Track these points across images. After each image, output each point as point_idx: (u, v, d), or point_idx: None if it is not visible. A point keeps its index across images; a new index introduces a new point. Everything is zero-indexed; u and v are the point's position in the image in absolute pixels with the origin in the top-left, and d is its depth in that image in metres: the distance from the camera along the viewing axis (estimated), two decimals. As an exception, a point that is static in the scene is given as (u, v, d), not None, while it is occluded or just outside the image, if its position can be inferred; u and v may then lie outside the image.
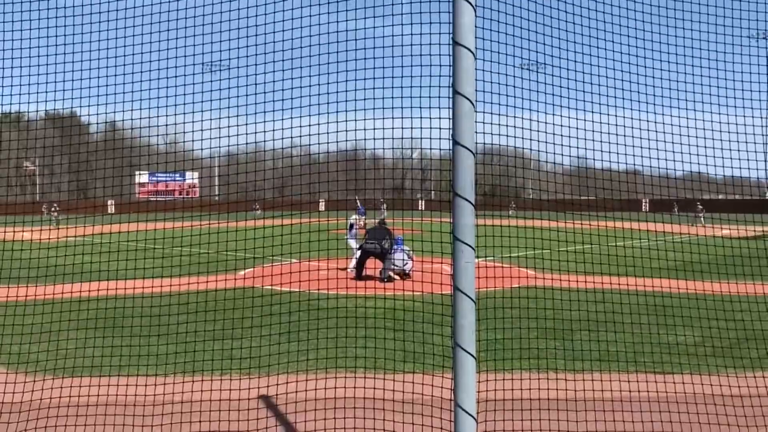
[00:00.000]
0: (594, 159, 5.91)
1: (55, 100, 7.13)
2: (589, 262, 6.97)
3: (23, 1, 6.54)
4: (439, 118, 5.40)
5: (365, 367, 7.72)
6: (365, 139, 6.56)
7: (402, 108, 5.89)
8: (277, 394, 6.58)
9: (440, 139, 5.30)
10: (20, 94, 6.85)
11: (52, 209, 42.21)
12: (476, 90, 3.75)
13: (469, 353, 3.61)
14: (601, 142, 5.62)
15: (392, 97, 6.04)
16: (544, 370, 7.47)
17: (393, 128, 6.20)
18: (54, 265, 8.55)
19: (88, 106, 7.24)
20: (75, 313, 8.05)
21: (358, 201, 18.45)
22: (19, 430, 5.72)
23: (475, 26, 3.72)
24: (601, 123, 5.62)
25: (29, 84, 6.74)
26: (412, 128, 5.87)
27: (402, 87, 5.84)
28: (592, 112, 5.64)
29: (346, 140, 6.51)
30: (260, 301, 8.66)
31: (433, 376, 6.46)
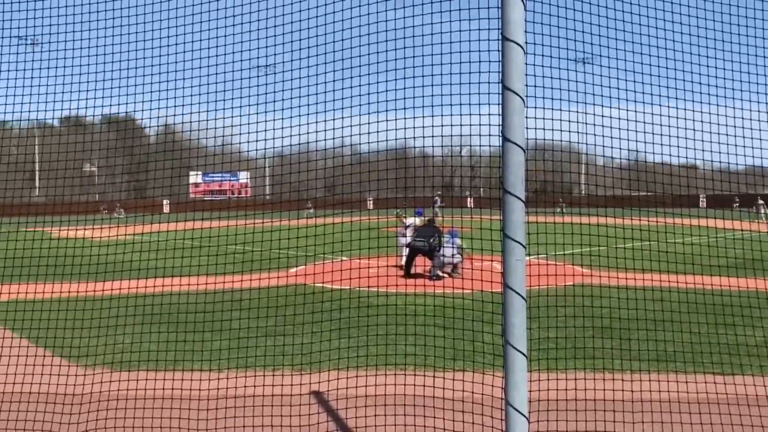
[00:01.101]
0: (648, 152, 5.72)
1: (110, 105, 7.38)
2: (646, 259, 6.77)
3: (81, 12, 6.79)
4: (489, 114, 5.32)
5: (415, 365, 7.72)
6: (414, 137, 6.55)
7: (451, 105, 5.84)
8: (328, 390, 6.64)
9: (489, 135, 5.23)
10: (80, 99, 7.13)
11: (116, 209, 43.89)
12: (526, 85, 3.70)
13: (520, 351, 3.56)
14: (659, 134, 5.44)
15: (441, 95, 5.99)
16: (599, 369, 7.30)
17: (442, 126, 6.16)
18: (113, 262, 8.85)
19: (142, 110, 7.46)
20: (132, 308, 8.31)
21: (407, 201, 18.50)
22: (80, 421, 5.94)
23: (525, 21, 3.67)
24: (658, 115, 5.44)
25: (87, 90, 7.00)
26: (461, 125, 5.82)
27: (451, 84, 5.78)
28: (649, 103, 5.47)
29: (396, 138, 6.49)
30: (311, 298, 8.76)
31: (483, 375, 6.40)
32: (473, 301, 6.28)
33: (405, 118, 6.28)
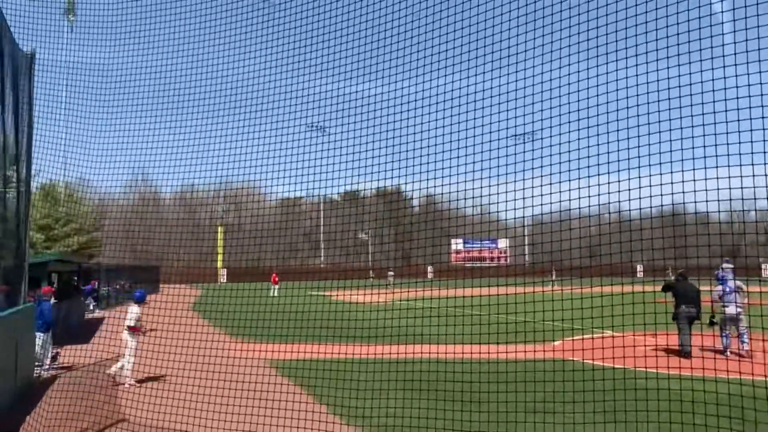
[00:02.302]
0: None
1: (383, 179, 8.07)
2: None
3: (353, 99, 7.65)
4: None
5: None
6: (684, 193, 5.95)
7: (728, 155, 5.21)
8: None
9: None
10: (355, 176, 7.97)
11: (389, 273, 47.35)
12: None
13: None
14: None
15: (716, 145, 5.40)
16: None
17: (717, 178, 5.51)
18: (383, 327, 9.40)
19: (410, 182, 7.99)
20: (395, 373, 8.65)
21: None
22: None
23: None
24: None
25: (364, 166, 7.79)
26: (741, 179, 5.13)
27: (727, 133, 5.18)
28: None
29: (661, 195, 5.94)
30: (574, 376, 8.24)
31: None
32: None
33: (672, 171, 5.78)
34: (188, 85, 9.24)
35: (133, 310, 11.93)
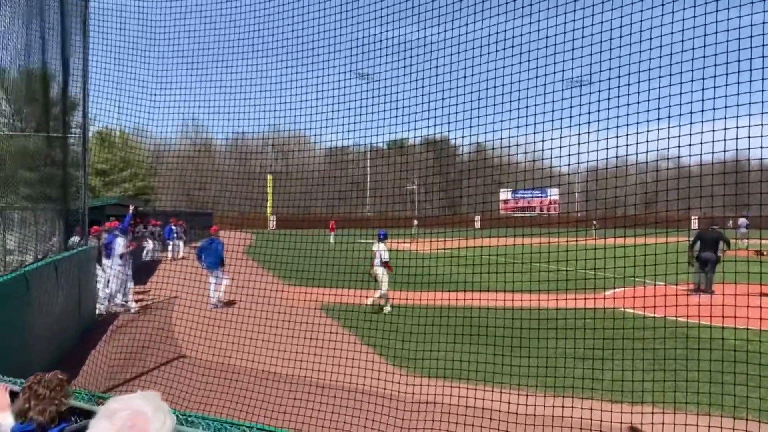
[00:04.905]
0: None
1: (430, 126, 7.94)
2: None
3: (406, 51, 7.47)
4: None
5: (760, 419, 6.60)
6: (749, 147, 5.67)
7: None
8: (642, 423, 6.08)
9: None
10: (403, 123, 7.85)
11: (414, 222, 47.80)
12: None
13: None
14: None
15: None
16: None
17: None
18: (433, 273, 9.42)
19: (454, 129, 7.84)
20: (446, 318, 8.70)
21: None
22: (405, 418, 6.43)
23: None
24: None
25: (409, 114, 7.67)
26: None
27: None
28: None
29: (725, 149, 5.69)
30: (629, 324, 8.15)
31: None
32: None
33: (738, 119, 5.49)
34: (239, 34, 9.21)
35: (382, 247, 13.31)
